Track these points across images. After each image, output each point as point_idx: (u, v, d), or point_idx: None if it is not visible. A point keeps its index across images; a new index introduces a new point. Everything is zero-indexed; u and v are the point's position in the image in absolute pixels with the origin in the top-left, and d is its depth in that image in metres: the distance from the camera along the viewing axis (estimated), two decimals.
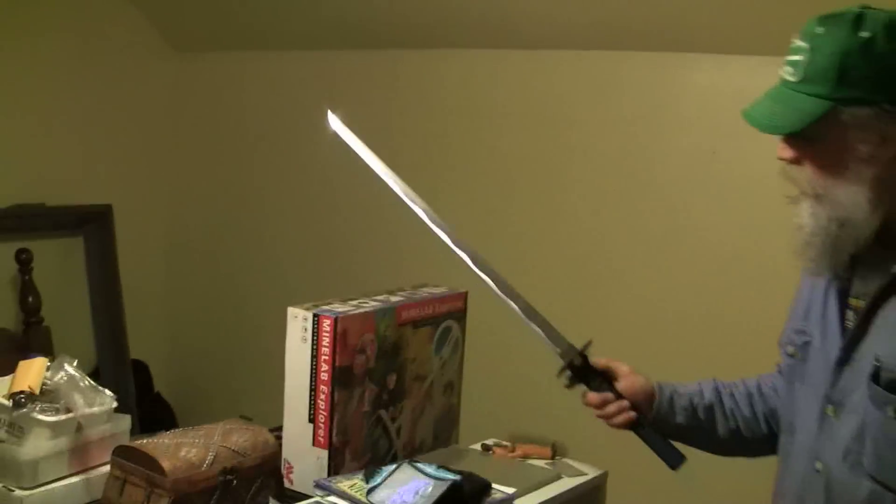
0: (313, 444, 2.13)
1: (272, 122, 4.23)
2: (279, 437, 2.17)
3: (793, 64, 1.58)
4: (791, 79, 1.58)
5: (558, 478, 2.22)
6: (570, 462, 2.32)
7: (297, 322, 2.13)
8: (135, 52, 4.36)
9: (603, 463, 2.36)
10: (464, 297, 2.44)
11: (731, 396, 1.96)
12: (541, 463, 2.31)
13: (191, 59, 4.47)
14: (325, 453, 2.12)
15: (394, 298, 2.30)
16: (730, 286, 3.06)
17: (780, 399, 1.92)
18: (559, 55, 3.39)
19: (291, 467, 2.17)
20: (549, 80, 3.44)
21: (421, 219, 2.15)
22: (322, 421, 2.11)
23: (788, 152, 1.63)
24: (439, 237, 2.13)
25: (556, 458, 2.33)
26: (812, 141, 1.58)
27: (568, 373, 1.98)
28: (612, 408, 1.92)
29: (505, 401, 3.39)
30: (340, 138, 2.22)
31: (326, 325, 2.09)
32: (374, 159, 2.18)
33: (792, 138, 1.61)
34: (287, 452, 2.16)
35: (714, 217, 3.10)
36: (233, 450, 2.01)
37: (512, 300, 2.07)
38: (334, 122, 2.24)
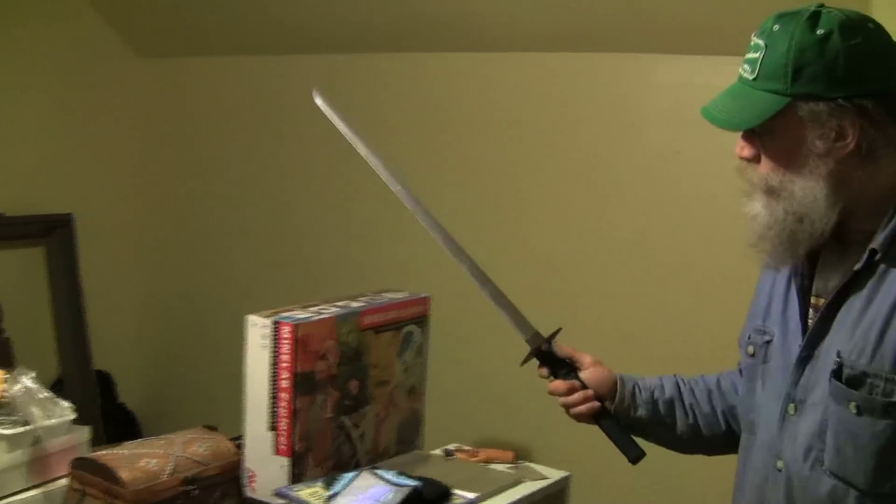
0: (276, 453, 2.11)
1: (236, 129, 4.22)
2: (240, 445, 2.16)
3: (750, 61, 1.60)
4: (748, 76, 1.60)
5: (520, 481, 2.22)
6: (533, 466, 2.32)
7: (257, 329, 2.12)
8: (97, 59, 4.32)
9: (566, 466, 2.36)
10: (426, 301, 2.44)
11: (692, 392, 1.97)
12: (503, 467, 2.31)
13: (156, 65, 4.44)
14: (287, 461, 2.10)
15: (355, 304, 2.29)
16: (696, 284, 3.09)
17: (739, 397, 1.92)
18: (524, 58, 3.41)
19: (254, 475, 2.15)
20: (514, 82, 3.46)
21: (400, 199, 2.20)
22: (283, 428, 2.10)
23: (747, 150, 1.65)
24: (409, 226, 2.13)
25: (519, 461, 2.33)
26: (770, 137, 1.60)
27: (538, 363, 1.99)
28: (577, 396, 1.92)
29: (469, 405, 3.39)
30: (327, 118, 2.24)
31: (286, 331, 2.08)
32: (355, 137, 2.22)
33: (750, 135, 1.63)
34: (250, 461, 2.15)
35: (679, 216, 3.12)
36: (193, 459, 2.00)
37: (483, 284, 2.09)
38: (320, 102, 2.27)
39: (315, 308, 2.21)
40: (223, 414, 2.75)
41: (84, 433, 2.15)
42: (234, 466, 2.12)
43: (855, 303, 1.59)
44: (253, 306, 2.20)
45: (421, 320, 2.43)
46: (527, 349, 2.01)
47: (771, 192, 1.62)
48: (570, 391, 1.94)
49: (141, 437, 2.17)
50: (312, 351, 2.11)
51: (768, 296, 1.81)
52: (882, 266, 1.57)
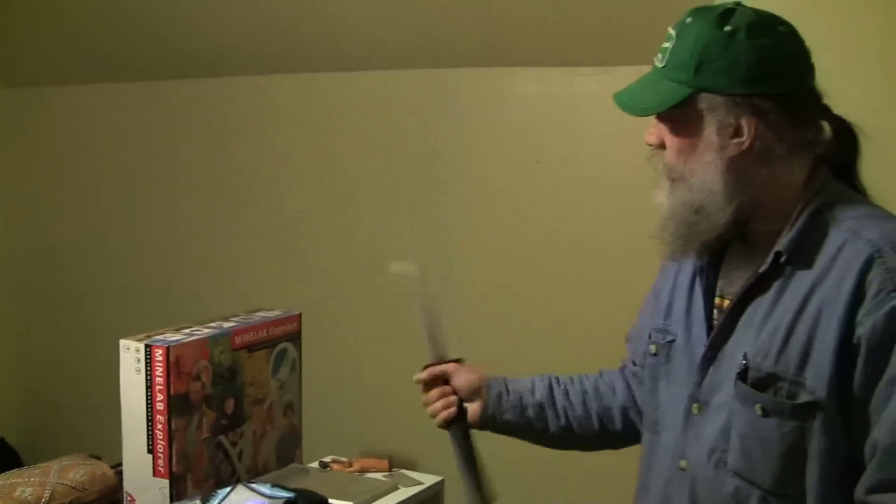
0: (154, 475, 2.13)
1: (102, 156, 4.18)
2: (121, 471, 2.17)
3: (662, 51, 1.63)
4: (658, 65, 1.63)
5: (395, 488, 2.27)
6: (407, 472, 2.37)
7: (130, 353, 2.13)
8: None
9: (440, 471, 2.41)
10: (298, 318, 2.48)
11: (565, 394, 1.98)
12: (378, 475, 2.35)
13: (21, 94, 4.39)
14: (166, 483, 2.12)
15: (227, 324, 2.31)
16: (562, 285, 3.16)
17: (617, 398, 1.96)
18: (384, 76, 3.46)
19: (134, 499, 2.16)
20: (376, 100, 3.50)
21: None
22: (161, 451, 2.11)
23: (653, 137, 1.67)
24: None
25: (394, 469, 2.38)
26: (672, 125, 1.63)
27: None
28: (433, 392, 1.97)
29: (345, 418, 3.42)
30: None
31: (159, 354, 2.09)
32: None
33: (658, 123, 1.66)
34: (128, 485, 2.16)
35: (540, 225, 3.19)
36: (70, 486, 2.00)
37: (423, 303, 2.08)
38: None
39: (187, 330, 2.23)
40: (106, 441, 2.75)
41: None
42: (114, 491, 2.12)
43: (760, 305, 1.60)
44: (127, 331, 2.22)
45: (293, 337, 2.46)
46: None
47: (672, 180, 1.65)
48: (432, 382, 1.97)
49: None
50: (186, 372, 2.14)
51: (669, 296, 1.82)
52: (788, 268, 1.58)
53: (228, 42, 3.65)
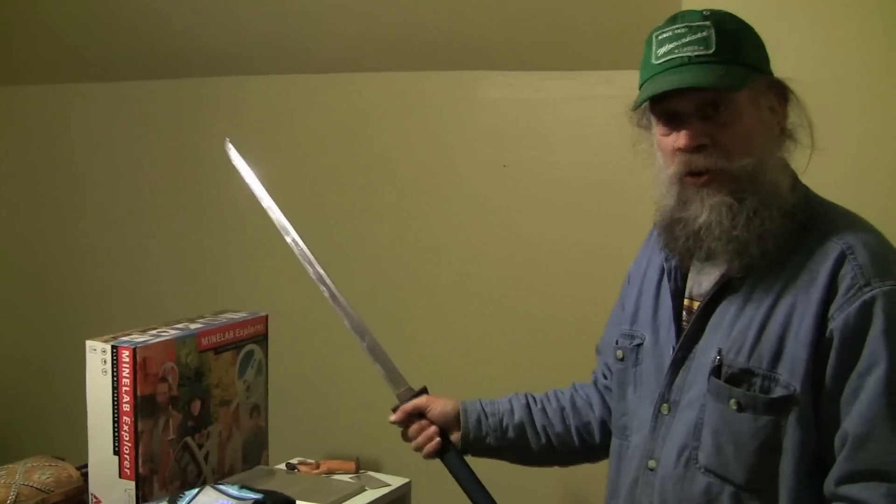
0: (120, 476, 2.12)
1: (71, 155, 4.16)
2: (86, 473, 2.16)
3: (700, 41, 1.59)
4: (705, 51, 1.58)
5: (362, 490, 2.27)
6: (374, 474, 2.37)
7: (97, 354, 2.12)
8: None
9: (407, 473, 2.42)
10: (264, 320, 2.47)
11: (543, 412, 1.99)
12: (345, 477, 2.36)
13: None
14: (132, 484, 2.11)
15: (194, 325, 2.31)
16: (531, 288, 3.18)
17: (594, 411, 1.97)
18: (354, 78, 3.46)
19: (100, 501, 2.15)
20: (347, 103, 3.50)
21: (290, 248, 2.21)
22: (127, 452, 2.11)
23: (700, 138, 1.60)
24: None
25: (361, 471, 2.38)
26: (734, 110, 1.59)
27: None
28: (414, 428, 1.99)
29: (312, 420, 3.42)
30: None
31: (125, 355, 2.09)
32: (258, 187, 2.31)
33: (710, 116, 1.60)
34: (94, 486, 2.15)
35: (507, 228, 3.21)
36: (35, 487, 1.99)
37: (361, 337, 2.10)
38: (231, 152, 2.34)
39: (154, 331, 2.23)
40: (72, 443, 2.74)
41: None
42: (79, 492, 2.11)
43: (731, 304, 1.63)
44: (93, 332, 2.21)
45: (260, 339, 2.46)
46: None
47: (735, 179, 1.59)
48: (408, 420, 1.99)
49: None
50: (152, 374, 2.13)
51: (635, 301, 1.84)
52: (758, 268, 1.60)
53: (198, 43, 3.64)
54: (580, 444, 1.98)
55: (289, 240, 2.19)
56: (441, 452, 1.97)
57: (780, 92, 1.65)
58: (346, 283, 3.51)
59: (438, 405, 1.99)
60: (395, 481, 2.35)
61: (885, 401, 1.47)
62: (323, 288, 2.14)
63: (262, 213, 3.64)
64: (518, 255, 3.19)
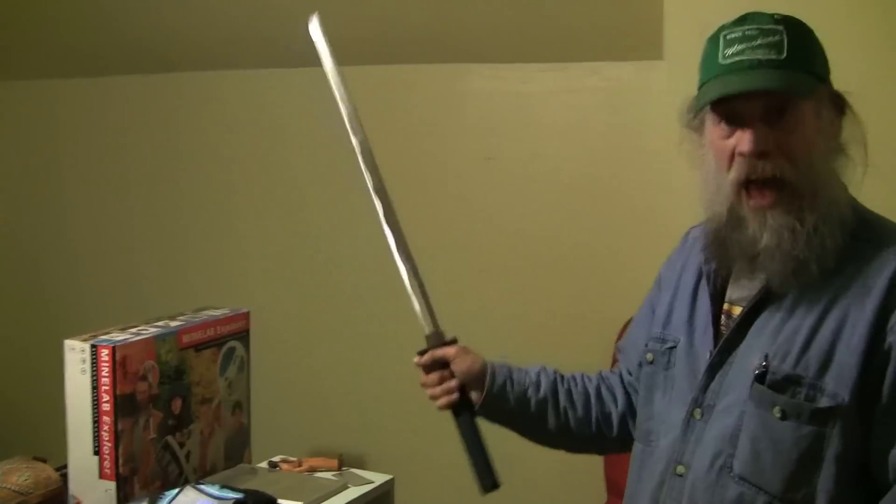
0: (100, 477, 2.10)
1: (57, 151, 4.14)
2: (66, 474, 2.14)
3: (772, 45, 1.56)
4: (776, 56, 1.56)
5: (345, 487, 2.26)
6: (357, 471, 2.36)
7: (75, 354, 2.10)
8: None
9: (390, 469, 2.41)
10: (246, 316, 2.46)
11: (569, 394, 1.95)
12: (328, 475, 2.34)
13: None
14: (112, 485, 2.10)
15: (174, 323, 2.29)
16: (515, 281, 3.18)
17: (616, 405, 1.94)
18: (343, 71, 3.44)
19: (80, 502, 2.13)
20: (332, 96, 3.49)
21: (357, 161, 2.13)
22: (107, 452, 2.09)
23: (768, 143, 1.56)
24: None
25: (343, 468, 2.37)
26: (799, 118, 1.56)
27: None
28: (433, 376, 1.92)
29: (295, 417, 3.41)
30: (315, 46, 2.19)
31: (105, 354, 2.07)
32: (336, 77, 2.18)
33: (775, 121, 1.56)
34: (74, 487, 2.13)
35: (490, 221, 3.21)
36: (14, 490, 1.98)
37: (405, 264, 2.04)
38: (315, 30, 2.21)
39: (134, 329, 2.21)
40: (51, 443, 2.73)
41: None
42: (59, 494, 2.10)
43: (777, 310, 1.59)
44: (72, 330, 2.19)
45: (242, 336, 2.44)
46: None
47: (798, 196, 1.56)
48: (431, 366, 1.93)
49: None
50: (132, 372, 2.11)
51: (669, 304, 1.80)
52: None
53: (177, 37, 3.63)
54: (596, 433, 1.94)
55: (355, 141, 2.13)
56: (456, 409, 1.91)
57: (838, 104, 1.63)
58: (330, 276, 3.53)
59: (467, 361, 1.92)
60: (378, 478, 2.34)
61: None
62: (378, 203, 2.07)
63: (244, 208, 3.66)
64: (503, 247, 3.19)
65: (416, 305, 2.00)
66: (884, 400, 1.49)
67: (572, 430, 1.94)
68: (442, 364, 1.94)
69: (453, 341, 1.97)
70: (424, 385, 1.95)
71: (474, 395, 1.92)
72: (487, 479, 1.87)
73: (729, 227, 1.62)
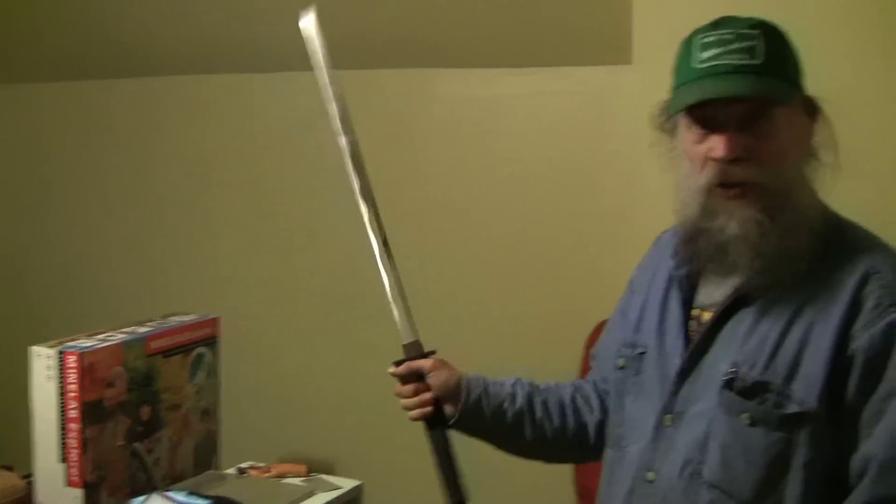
0: (67, 485, 2.09)
1: (19, 155, 4.11)
2: (32, 482, 2.12)
3: (748, 50, 1.55)
4: (754, 61, 1.55)
5: (313, 493, 2.25)
6: (326, 477, 2.35)
7: (42, 360, 2.09)
8: None
9: (359, 475, 2.40)
10: (215, 322, 2.45)
11: (544, 405, 1.94)
12: (296, 481, 2.33)
13: None
14: (80, 492, 2.08)
15: (142, 329, 2.28)
16: (486, 284, 3.18)
17: (592, 413, 1.93)
18: (311, 77, 3.43)
19: None
20: (306, 99, 3.46)
21: (343, 159, 2.10)
22: (74, 459, 2.07)
23: (739, 149, 1.56)
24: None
25: (312, 474, 2.36)
26: (773, 125, 1.56)
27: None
28: (408, 388, 1.91)
29: (265, 423, 3.40)
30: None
31: (72, 361, 2.05)
32: (328, 74, 2.15)
33: (749, 127, 1.56)
34: (41, 495, 2.11)
35: (461, 225, 3.21)
36: None
37: (387, 271, 2.03)
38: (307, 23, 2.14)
39: (101, 335, 2.20)
40: (17, 451, 2.71)
41: None
42: (25, 502, 2.08)
43: (745, 316, 1.60)
44: (39, 336, 2.17)
45: (211, 342, 2.43)
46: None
47: (767, 195, 1.57)
48: (407, 377, 1.91)
49: None
50: (100, 379, 2.10)
51: (640, 309, 1.80)
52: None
53: (158, 41, 3.61)
54: (574, 442, 1.94)
55: (344, 141, 2.12)
56: (430, 422, 1.90)
57: (811, 110, 1.63)
58: (299, 283, 3.52)
59: (443, 374, 1.91)
60: (347, 484, 2.33)
61: None
62: (365, 207, 2.05)
63: (216, 213, 3.65)
64: (475, 251, 3.19)
65: (397, 314, 1.98)
66: (847, 405, 1.50)
67: (549, 440, 1.93)
68: (418, 376, 1.93)
69: (431, 353, 1.97)
70: (399, 395, 1.94)
71: (449, 409, 1.91)
72: (455, 495, 1.87)
73: (700, 220, 1.62)
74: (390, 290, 2.01)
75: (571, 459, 2.03)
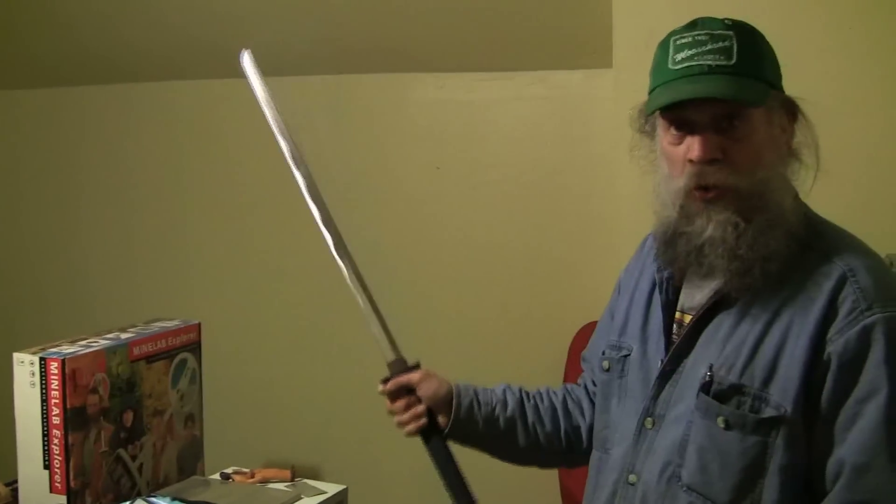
0: (51, 491, 2.08)
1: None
2: (16, 489, 2.11)
3: (722, 51, 1.55)
4: (728, 62, 1.55)
5: (298, 498, 2.25)
6: (310, 482, 2.35)
7: (24, 367, 2.08)
8: None
9: (344, 480, 2.39)
10: (197, 328, 2.44)
11: (536, 410, 1.95)
12: (281, 486, 2.33)
13: None
14: (64, 499, 2.08)
15: (125, 335, 2.27)
16: (463, 289, 3.19)
17: (584, 417, 1.94)
18: (288, 82, 3.44)
19: None
20: (281, 106, 3.47)
21: (299, 189, 2.08)
22: (58, 466, 2.07)
23: (715, 151, 1.56)
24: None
25: (297, 479, 2.36)
26: (750, 126, 1.56)
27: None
28: (400, 403, 1.91)
29: (249, 428, 3.40)
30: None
31: (54, 367, 2.05)
32: (270, 110, 2.15)
33: (725, 128, 1.56)
34: (25, 502, 2.10)
35: (440, 229, 3.21)
36: None
37: (361, 293, 2.01)
38: (248, 64, 2.15)
39: (84, 341, 2.19)
40: (3, 458, 2.70)
41: None
42: None
43: (725, 319, 1.60)
44: (21, 343, 2.17)
45: (193, 347, 2.43)
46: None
47: (743, 198, 1.56)
48: (396, 393, 1.91)
49: None
50: (83, 385, 2.09)
51: (625, 312, 1.81)
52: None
53: (130, 48, 3.60)
54: (566, 446, 1.95)
55: (298, 175, 2.09)
56: (425, 433, 1.91)
57: (791, 110, 1.63)
58: (281, 287, 3.52)
59: (433, 385, 1.92)
60: (332, 488, 2.33)
61: (885, 430, 1.45)
62: (327, 233, 2.04)
63: (196, 219, 3.64)
64: (451, 256, 3.20)
65: (376, 334, 1.98)
66: (822, 409, 1.50)
67: (542, 445, 1.95)
68: (407, 390, 1.93)
69: (416, 366, 1.97)
70: (391, 412, 1.94)
71: (441, 419, 1.92)
72: (466, 499, 1.87)
73: (679, 222, 1.62)
74: (366, 313, 1.99)
75: (565, 464, 2.02)
